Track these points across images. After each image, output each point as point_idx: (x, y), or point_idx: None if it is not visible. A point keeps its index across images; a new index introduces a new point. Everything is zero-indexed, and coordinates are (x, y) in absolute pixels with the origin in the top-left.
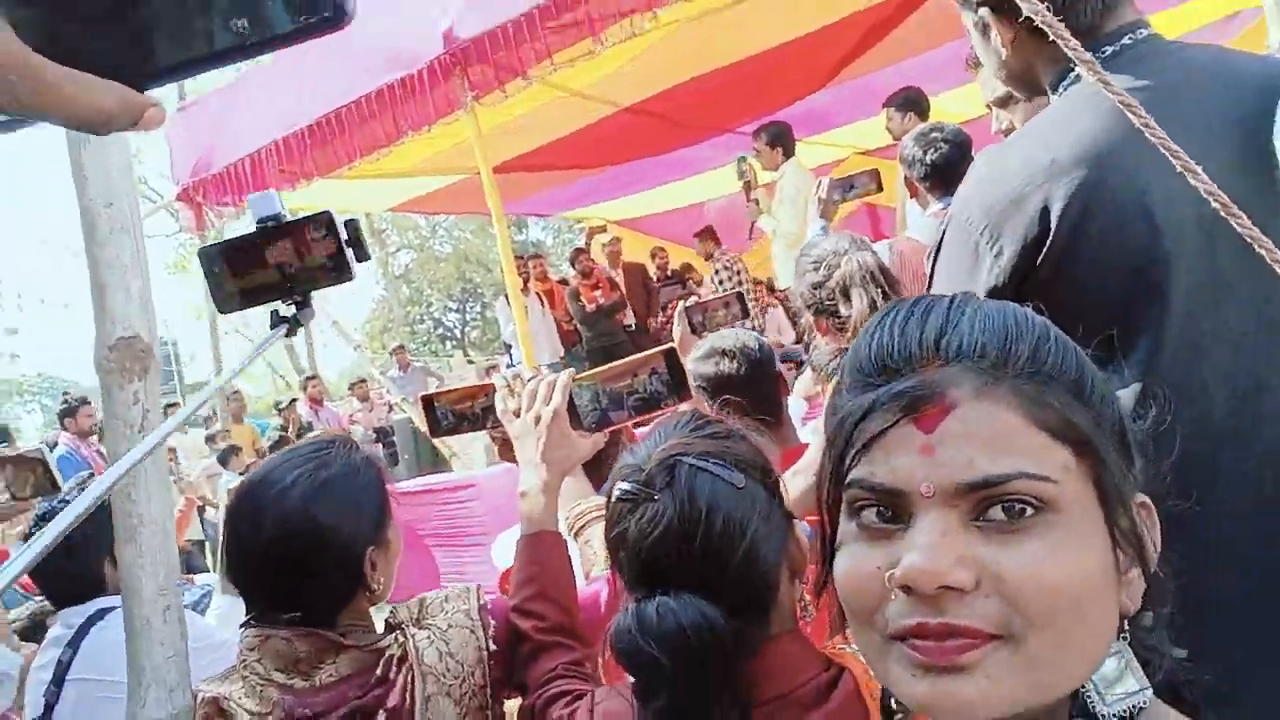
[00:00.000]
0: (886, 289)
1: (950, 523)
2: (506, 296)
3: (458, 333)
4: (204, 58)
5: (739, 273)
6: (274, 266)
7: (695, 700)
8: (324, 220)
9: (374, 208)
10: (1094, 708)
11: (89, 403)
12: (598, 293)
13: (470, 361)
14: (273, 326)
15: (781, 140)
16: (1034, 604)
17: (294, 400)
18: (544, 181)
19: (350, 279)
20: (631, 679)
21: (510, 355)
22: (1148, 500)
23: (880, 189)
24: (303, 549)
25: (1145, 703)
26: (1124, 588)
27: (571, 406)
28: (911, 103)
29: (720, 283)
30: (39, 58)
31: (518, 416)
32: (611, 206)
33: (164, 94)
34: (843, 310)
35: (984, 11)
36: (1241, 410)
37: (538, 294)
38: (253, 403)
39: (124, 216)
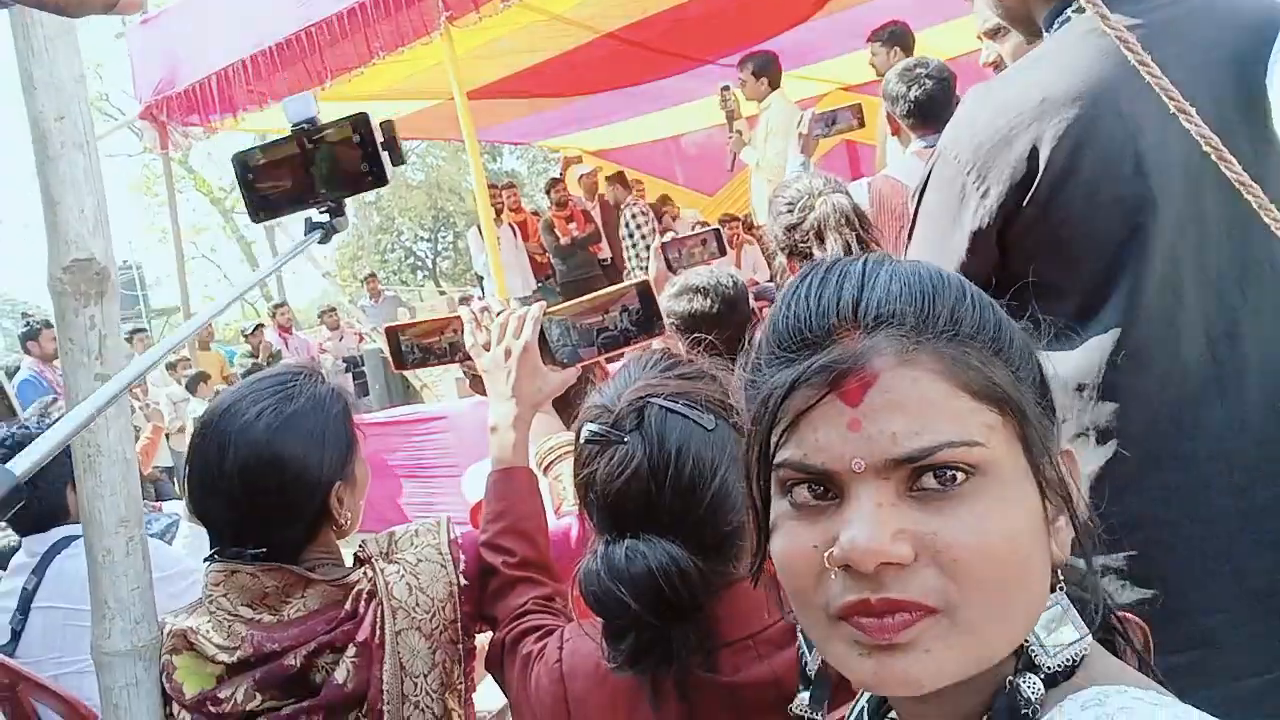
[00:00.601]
0: (861, 232)
1: (884, 496)
2: (479, 227)
3: (429, 262)
4: None
5: (648, 221)
6: (307, 171)
7: (662, 641)
8: (360, 122)
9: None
10: (1037, 659)
11: (52, 326)
12: (572, 225)
13: (442, 292)
14: (306, 233)
15: (767, 70)
16: (972, 571)
17: (260, 325)
18: (520, 109)
19: (385, 184)
20: (600, 620)
21: (482, 287)
22: (1071, 449)
23: (862, 125)
24: (268, 484)
25: (1086, 649)
26: (1053, 536)
27: (543, 341)
28: (897, 38)
29: (630, 234)
30: None
31: (487, 350)
32: (588, 136)
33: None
34: (816, 253)
35: None
36: (1220, 356)
37: (510, 224)
38: (220, 329)
39: (76, 131)
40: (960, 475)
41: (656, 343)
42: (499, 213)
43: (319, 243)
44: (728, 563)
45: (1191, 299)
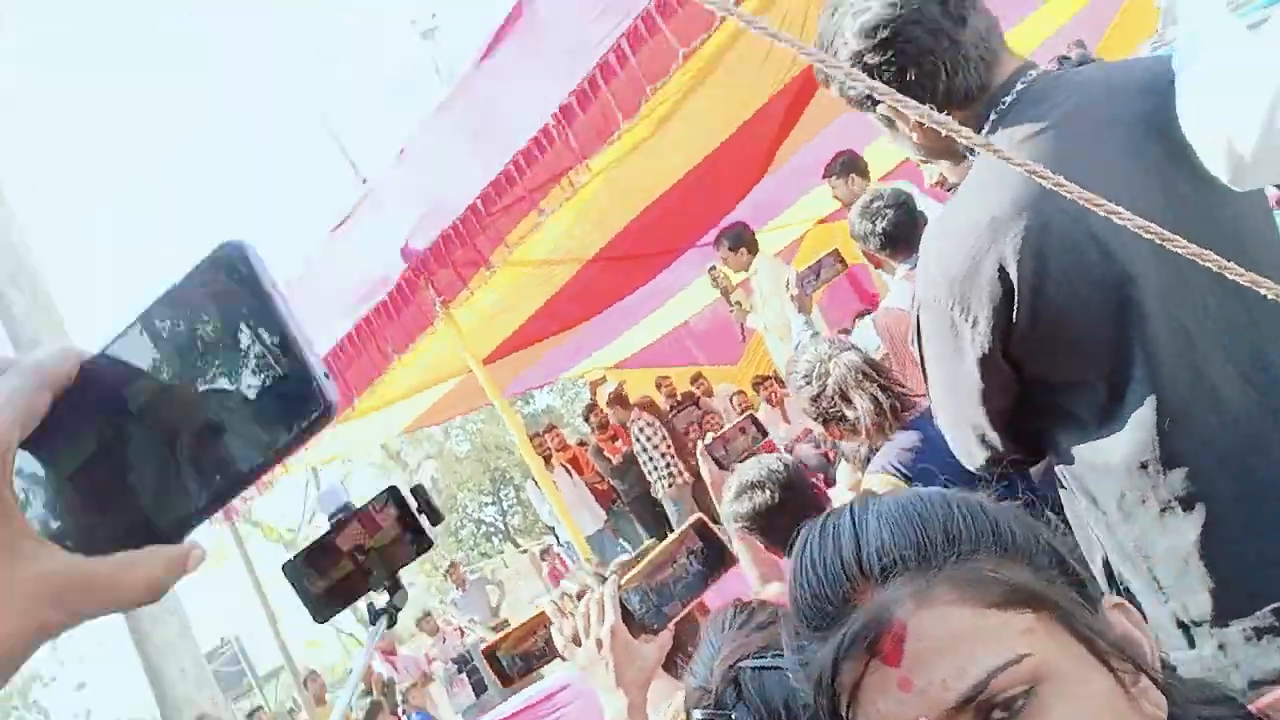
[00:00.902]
0: (882, 381)
1: None
2: (534, 479)
3: (500, 525)
4: (225, 492)
5: (656, 432)
6: (353, 557)
7: None
8: (391, 497)
9: (387, 436)
10: None
11: None
12: (618, 443)
13: (522, 551)
14: (373, 621)
15: (742, 240)
16: None
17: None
18: (536, 353)
19: (430, 546)
20: None
21: (555, 535)
22: (1122, 601)
23: (846, 266)
24: None
25: None
26: (1141, 700)
27: (627, 615)
28: (849, 165)
29: (643, 449)
30: (88, 564)
31: (577, 644)
32: (604, 354)
33: None
34: (847, 414)
35: (882, 109)
36: (1259, 384)
37: (563, 465)
38: (328, 674)
39: (171, 598)
40: (1021, 698)
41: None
42: (548, 459)
43: (388, 627)
44: None
45: (1205, 344)
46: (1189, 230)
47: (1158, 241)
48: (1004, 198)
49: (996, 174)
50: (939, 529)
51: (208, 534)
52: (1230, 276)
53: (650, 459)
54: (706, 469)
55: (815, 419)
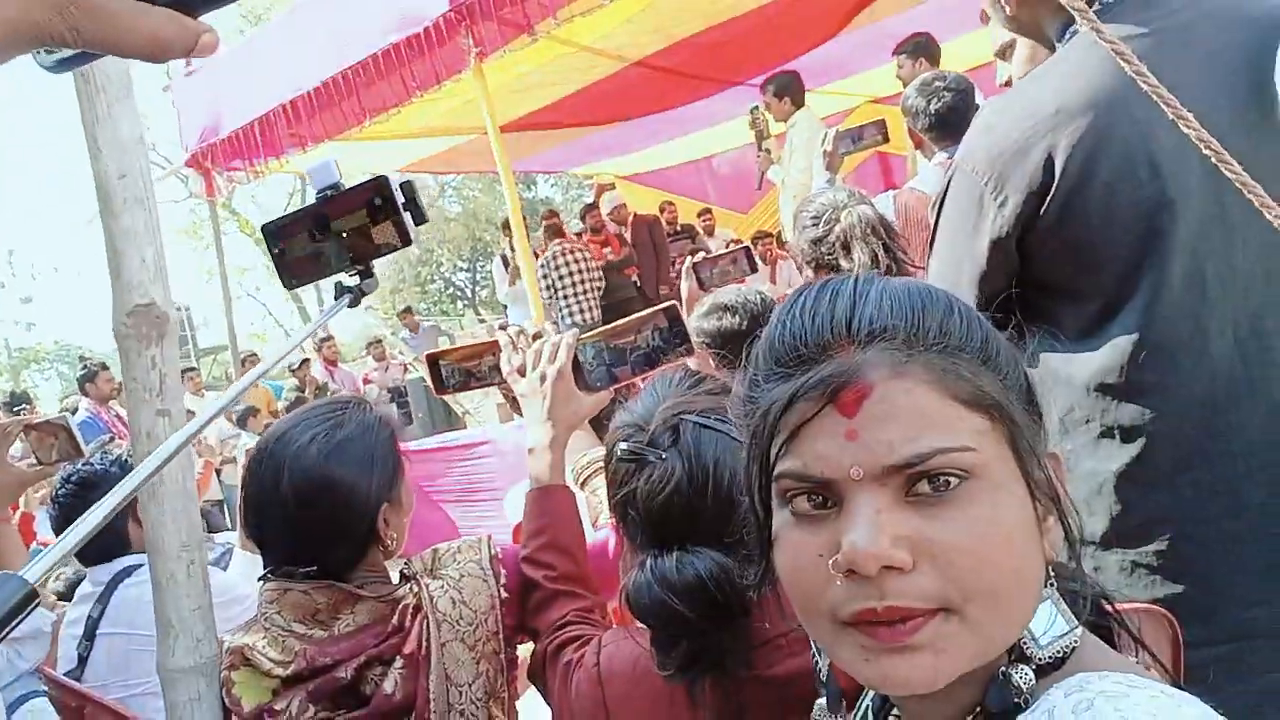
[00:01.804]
0: (887, 241)
1: (883, 501)
2: (502, 257)
3: (468, 292)
4: None
5: (570, 271)
6: (335, 237)
7: (713, 645)
8: (380, 185)
9: (383, 169)
10: (1028, 651)
11: (108, 368)
12: (607, 250)
13: (481, 320)
14: (336, 297)
15: (789, 90)
16: (969, 572)
17: (306, 360)
18: (552, 138)
19: (410, 244)
20: (645, 629)
21: (506, 314)
22: (1057, 452)
23: (887, 140)
24: (320, 506)
25: (1076, 641)
26: (1045, 536)
27: (576, 365)
28: (922, 49)
29: (549, 275)
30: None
31: (522, 375)
32: (620, 162)
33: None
34: (843, 264)
35: None
36: (1249, 353)
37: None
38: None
39: (137, 187)
40: (954, 480)
41: (690, 360)
42: (558, 236)
43: (349, 306)
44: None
45: (1216, 297)
46: (1247, 169)
47: (1213, 161)
48: (1076, 92)
49: (1075, 66)
50: (935, 318)
51: (187, 209)
52: (1269, 218)
53: (565, 288)
54: (687, 284)
55: (809, 262)
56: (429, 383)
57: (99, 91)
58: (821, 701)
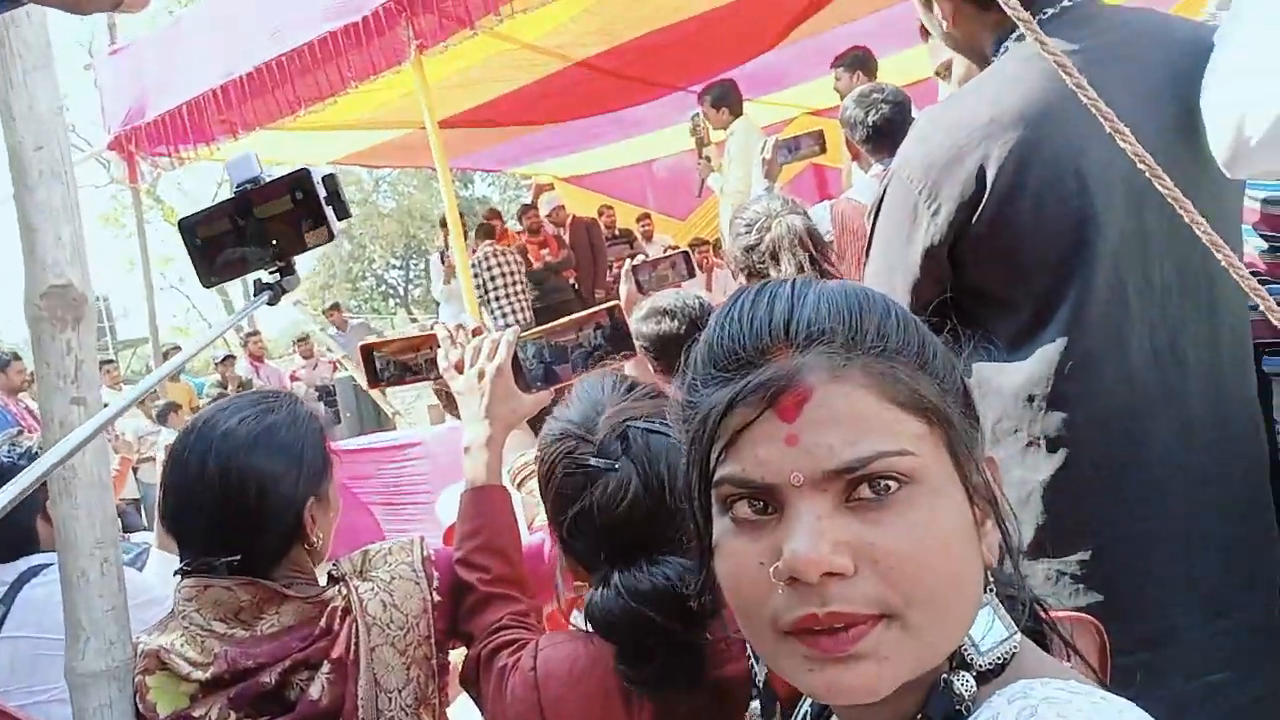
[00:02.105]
0: (814, 253)
1: (823, 508)
2: (441, 253)
3: (400, 290)
4: None
5: (502, 273)
6: (255, 232)
7: (688, 652)
8: (302, 178)
9: (316, 160)
10: (969, 658)
11: (20, 358)
12: (545, 251)
13: (414, 319)
14: (255, 294)
15: (727, 100)
16: (910, 578)
17: (229, 357)
18: (491, 137)
19: (331, 239)
20: (581, 633)
21: (438, 312)
22: (994, 456)
23: (824, 150)
24: (246, 492)
25: (1016, 647)
26: (983, 540)
27: (516, 365)
28: (859, 62)
29: (480, 276)
30: None
31: (460, 371)
32: (560, 163)
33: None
34: (772, 273)
35: None
36: (1165, 365)
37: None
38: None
39: (54, 160)
40: (894, 484)
41: (628, 365)
42: (489, 238)
43: (268, 304)
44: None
45: (1136, 310)
46: (1165, 200)
47: (1147, 175)
48: (1009, 104)
49: (1009, 79)
50: (873, 321)
51: (108, 194)
52: (1198, 232)
53: (496, 290)
54: (626, 288)
55: (741, 269)
56: (362, 375)
57: (15, 58)
58: (755, 706)
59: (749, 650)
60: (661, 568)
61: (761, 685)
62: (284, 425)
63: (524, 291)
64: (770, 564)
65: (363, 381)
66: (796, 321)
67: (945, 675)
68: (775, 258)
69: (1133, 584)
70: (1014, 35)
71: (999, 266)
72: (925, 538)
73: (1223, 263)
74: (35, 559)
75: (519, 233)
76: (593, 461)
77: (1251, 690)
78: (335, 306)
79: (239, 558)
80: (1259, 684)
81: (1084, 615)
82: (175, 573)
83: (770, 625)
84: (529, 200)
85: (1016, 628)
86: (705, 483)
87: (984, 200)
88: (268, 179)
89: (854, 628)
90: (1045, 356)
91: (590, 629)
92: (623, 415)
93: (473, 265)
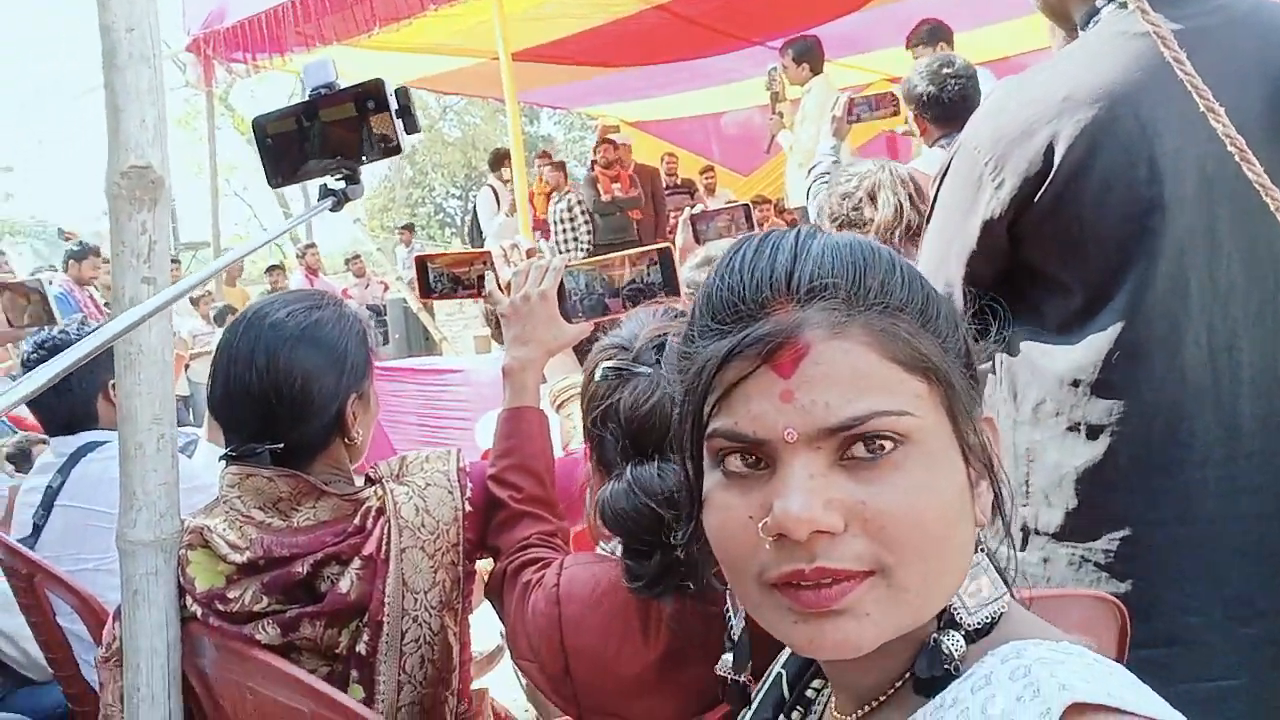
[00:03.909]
0: (914, 195)
1: (816, 465)
2: (492, 187)
3: (458, 220)
4: None
5: (576, 215)
6: (323, 137)
7: (686, 558)
8: (375, 89)
9: (387, 80)
10: (958, 617)
11: (100, 254)
12: (616, 186)
13: (467, 249)
14: (320, 199)
15: (808, 56)
16: (901, 538)
17: (279, 265)
18: (561, 74)
19: (400, 152)
20: (607, 557)
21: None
22: (991, 416)
23: (898, 114)
24: (290, 383)
25: (1004, 607)
26: (976, 501)
27: (561, 293)
28: (936, 35)
29: (559, 220)
30: None
31: (507, 293)
32: (630, 107)
33: None
34: (867, 212)
35: None
36: (1219, 366)
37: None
38: (249, 267)
39: (144, 43)
40: (889, 444)
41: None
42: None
43: (331, 210)
44: None
45: (1196, 307)
46: (1239, 196)
47: (1237, 159)
48: (1087, 82)
49: (1090, 56)
50: (877, 276)
51: (181, 98)
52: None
53: (563, 231)
54: (683, 235)
55: (833, 219)
56: (412, 288)
57: None
58: (727, 658)
59: (728, 603)
60: (673, 466)
61: (737, 639)
62: (330, 322)
63: (585, 228)
64: (760, 519)
65: (413, 299)
66: (799, 275)
67: (934, 635)
68: (873, 198)
69: (1156, 580)
70: (1107, 7)
71: (1057, 247)
72: (918, 499)
73: None
74: (94, 434)
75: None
76: (625, 365)
77: (1263, 698)
78: (408, 227)
79: (282, 446)
80: (1269, 691)
81: (1107, 595)
82: (220, 458)
83: (756, 578)
84: (596, 139)
85: (1005, 588)
86: (698, 434)
87: (1050, 178)
88: (342, 85)
89: (840, 584)
90: (1095, 343)
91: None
92: (663, 329)
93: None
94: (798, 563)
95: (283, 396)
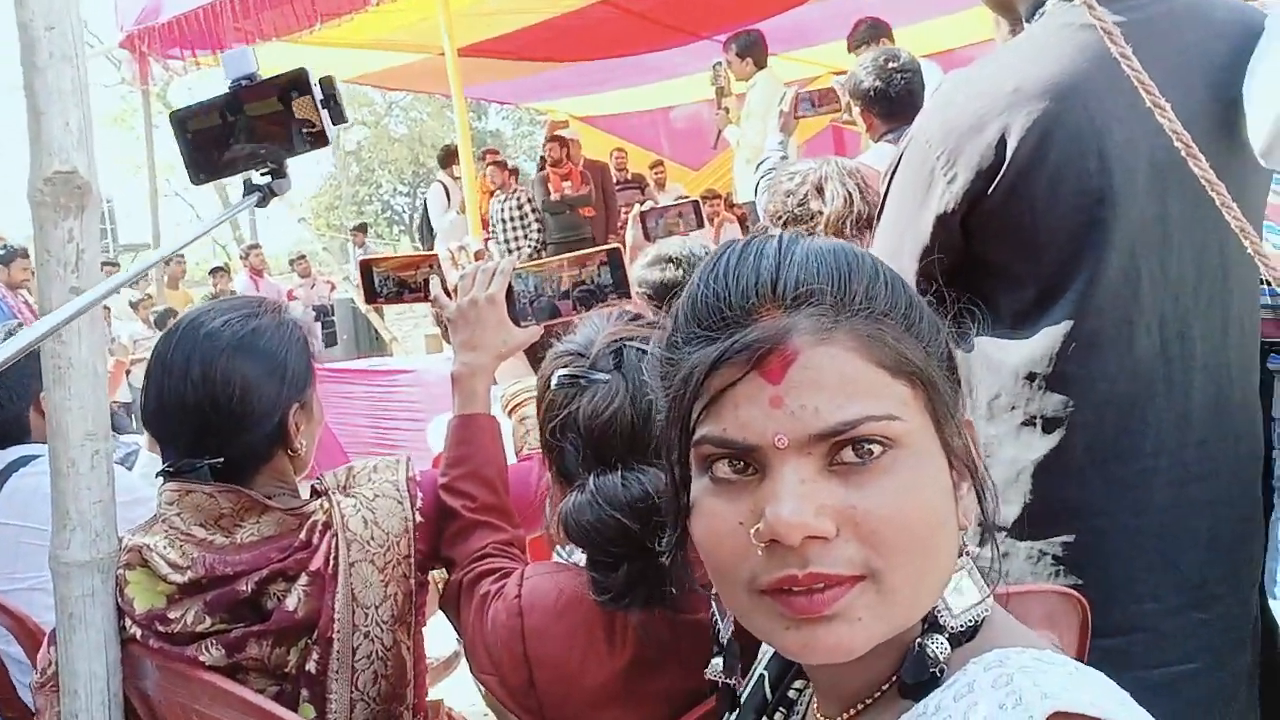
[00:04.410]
0: (862, 186)
1: (807, 471)
2: (442, 183)
3: (406, 218)
4: None
5: (526, 214)
6: (248, 131)
7: (652, 567)
8: (299, 79)
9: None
10: (942, 621)
11: (27, 255)
12: (566, 184)
13: (417, 248)
14: (245, 195)
15: (752, 51)
16: (891, 541)
17: (223, 267)
18: (509, 69)
19: (326, 144)
20: (567, 566)
21: (433, 244)
22: (970, 419)
23: (839, 109)
24: (228, 395)
25: (987, 611)
26: (959, 503)
27: (510, 297)
28: (876, 33)
29: (504, 221)
30: None
31: (450, 296)
32: (578, 102)
33: None
34: (814, 205)
35: None
36: (1171, 354)
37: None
38: (192, 269)
39: (66, 42)
40: (878, 448)
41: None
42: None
43: (257, 206)
44: None
45: (1148, 297)
46: (1188, 188)
47: (1183, 155)
48: (1036, 74)
49: (1039, 48)
50: (862, 282)
51: (117, 95)
52: (1228, 216)
53: (519, 227)
54: (633, 233)
55: (777, 218)
56: (359, 290)
57: None
58: (717, 662)
59: (712, 606)
60: (638, 476)
61: (725, 642)
62: (268, 330)
63: (535, 227)
64: (750, 525)
65: (360, 299)
66: (784, 281)
67: (919, 639)
68: (820, 191)
69: (1112, 570)
70: (1048, 4)
71: (1009, 240)
72: (907, 502)
73: (1249, 249)
74: (26, 448)
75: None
76: (582, 372)
77: (1216, 680)
78: (360, 228)
79: (222, 460)
80: (1224, 675)
81: (1069, 590)
82: (157, 474)
83: (746, 585)
84: (545, 135)
85: (988, 592)
86: (685, 440)
87: (1002, 171)
88: (264, 75)
89: (832, 589)
90: (1050, 335)
91: (568, 547)
92: (619, 335)
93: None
94: (790, 568)
95: (220, 409)
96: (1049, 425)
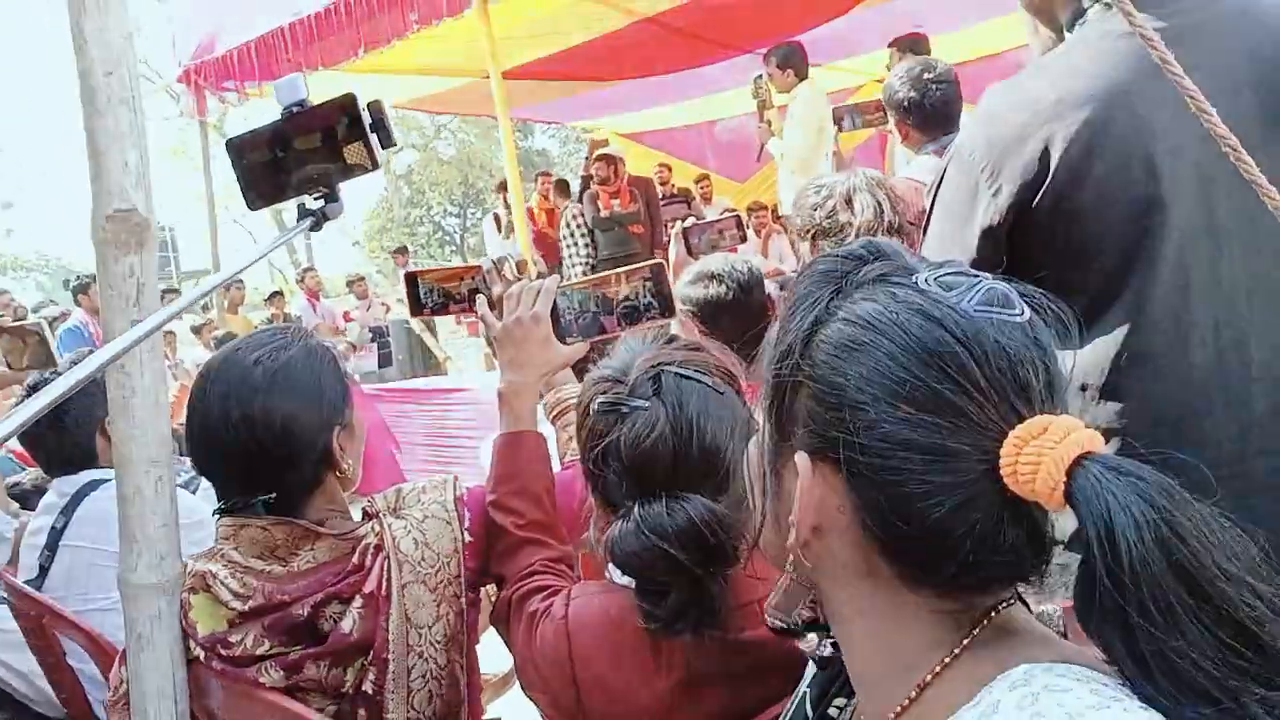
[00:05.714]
0: (890, 195)
1: None
2: (495, 215)
3: (457, 238)
4: None
5: (580, 227)
6: (298, 156)
7: (704, 594)
8: (347, 104)
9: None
10: None
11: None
12: (615, 201)
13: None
14: (299, 219)
15: (791, 62)
16: None
17: (279, 292)
18: (553, 89)
19: (376, 168)
20: (616, 587)
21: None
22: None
23: (885, 119)
24: (271, 429)
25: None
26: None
27: (555, 314)
28: (913, 47)
29: (570, 234)
30: None
31: (493, 308)
32: (623, 119)
33: None
34: (842, 217)
35: None
36: (1228, 364)
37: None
38: (252, 294)
39: (123, 86)
40: None
41: (675, 327)
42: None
43: (311, 230)
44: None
45: (1200, 305)
46: (1237, 192)
47: (1231, 160)
48: (1078, 85)
49: (1081, 58)
50: None
51: (176, 128)
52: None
53: (573, 244)
54: (676, 248)
55: (805, 235)
56: (407, 301)
57: None
58: (811, 637)
59: (768, 621)
60: (683, 504)
61: (819, 660)
62: (299, 360)
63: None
64: None
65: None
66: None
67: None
68: (849, 202)
69: None
70: (1092, 8)
71: (1057, 251)
72: None
73: None
74: (95, 473)
75: (584, 179)
76: (621, 399)
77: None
78: (401, 250)
79: (273, 495)
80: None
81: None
82: (214, 513)
83: None
84: (587, 155)
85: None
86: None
87: (1046, 183)
88: (314, 102)
89: None
90: (1103, 346)
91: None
92: (657, 360)
93: (568, 223)
94: None
95: (266, 449)
96: (1105, 436)
